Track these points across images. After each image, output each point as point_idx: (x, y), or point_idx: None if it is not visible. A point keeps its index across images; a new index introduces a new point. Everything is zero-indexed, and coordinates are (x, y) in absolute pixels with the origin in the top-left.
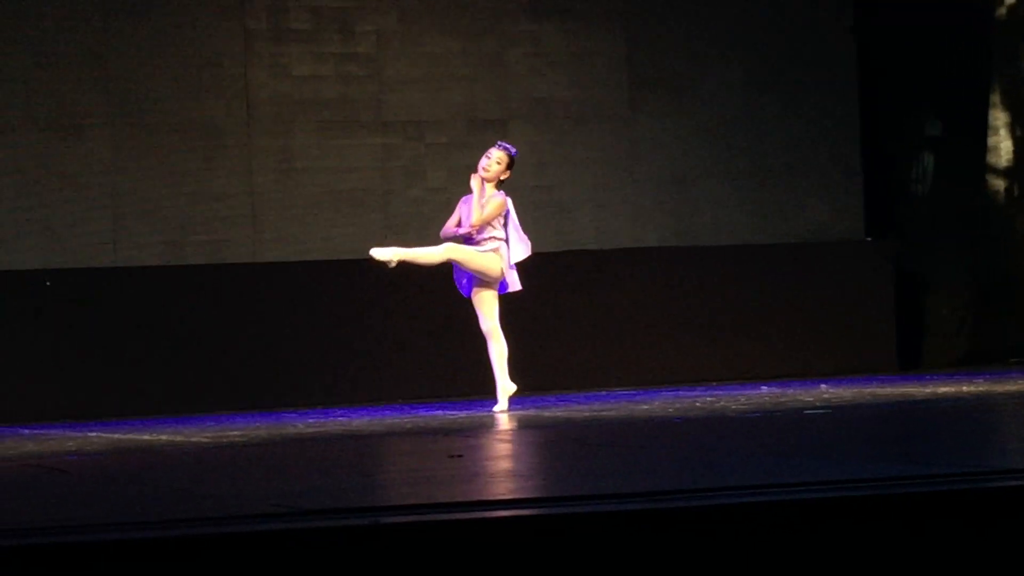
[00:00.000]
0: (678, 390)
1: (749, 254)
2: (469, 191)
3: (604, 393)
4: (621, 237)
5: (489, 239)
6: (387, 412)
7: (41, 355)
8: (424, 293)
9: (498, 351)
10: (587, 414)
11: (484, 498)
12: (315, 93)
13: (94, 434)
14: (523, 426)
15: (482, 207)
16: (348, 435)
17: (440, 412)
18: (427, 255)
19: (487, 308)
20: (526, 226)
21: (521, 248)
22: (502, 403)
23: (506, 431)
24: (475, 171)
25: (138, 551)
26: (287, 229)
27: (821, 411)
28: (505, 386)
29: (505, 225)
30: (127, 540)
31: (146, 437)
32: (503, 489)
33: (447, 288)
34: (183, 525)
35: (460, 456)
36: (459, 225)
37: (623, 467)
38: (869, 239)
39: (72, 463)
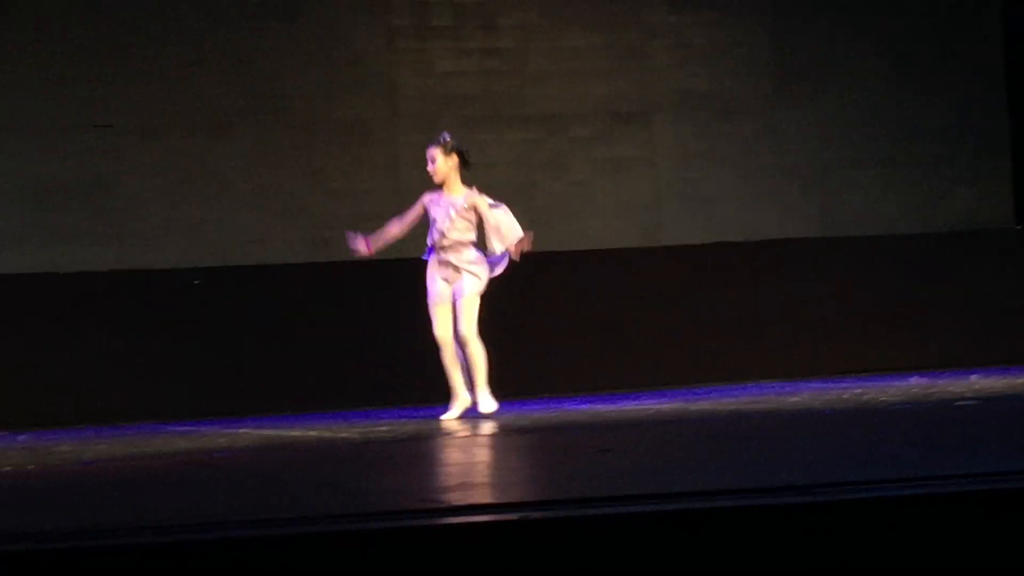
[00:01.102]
0: (826, 382)
1: (896, 244)
2: (434, 189)
3: (751, 386)
4: (766, 229)
5: (466, 246)
6: (533, 407)
7: (191, 352)
8: (567, 288)
9: (480, 357)
10: (734, 407)
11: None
12: (458, 89)
13: (243, 430)
14: (668, 419)
15: (491, 226)
16: (496, 431)
17: (587, 406)
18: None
19: (472, 312)
20: (671, 218)
21: (504, 235)
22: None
23: (649, 424)
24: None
25: (287, 546)
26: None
27: (972, 402)
28: (486, 399)
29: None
30: (275, 536)
31: (295, 433)
32: (655, 484)
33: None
34: (331, 521)
35: (609, 451)
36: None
37: (771, 460)
38: (1019, 226)
39: (222, 459)
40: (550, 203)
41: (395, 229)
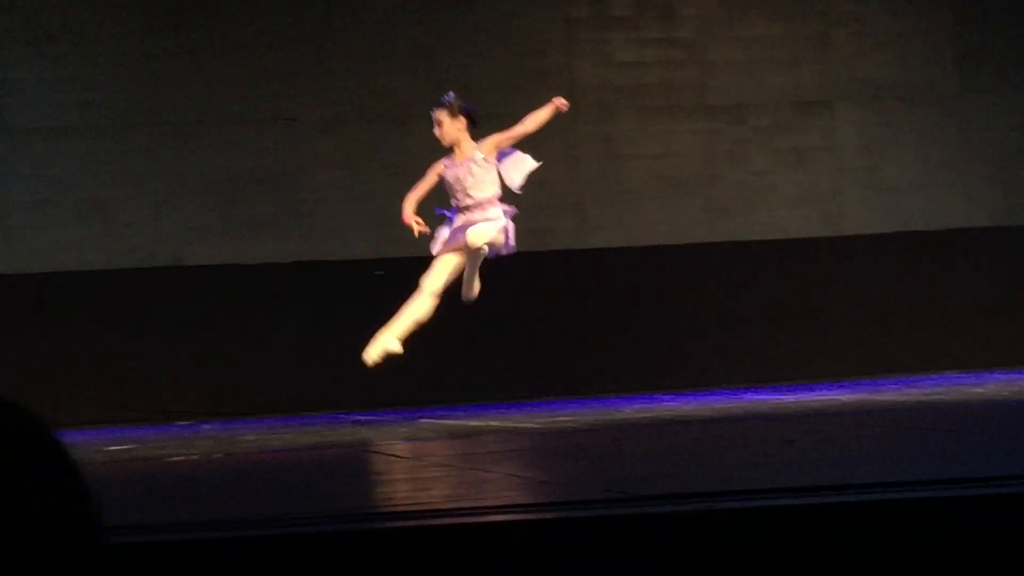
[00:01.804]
0: (1012, 373)
1: None
2: (446, 155)
3: (936, 376)
4: (952, 218)
5: (493, 204)
6: (714, 397)
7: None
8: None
9: (425, 311)
10: (919, 398)
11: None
12: (637, 79)
13: (425, 420)
14: (853, 410)
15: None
16: (676, 420)
17: (764, 397)
18: (417, 308)
19: (447, 268)
20: (853, 208)
21: (520, 166)
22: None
23: (837, 416)
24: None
25: (476, 533)
26: (612, 216)
27: None
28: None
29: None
30: (469, 524)
31: (474, 423)
32: (841, 474)
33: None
34: (520, 510)
35: (794, 441)
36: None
37: (960, 452)
38: None
39: (407, 448)
40: (731, 193)
41: (412, 204)
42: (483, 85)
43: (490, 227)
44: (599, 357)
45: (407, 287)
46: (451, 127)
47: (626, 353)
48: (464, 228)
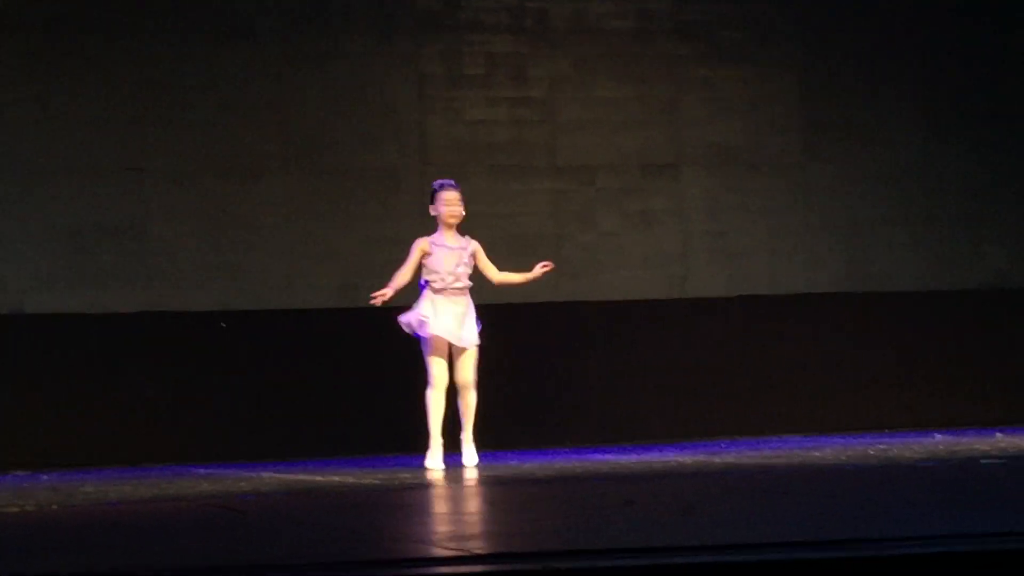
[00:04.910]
0: (850, 437)
1: (925, 301)
2: (427, 235)
3: (775, 439)
4: (795, 283)
5: (467, 293)
6: (552, 456)
7: (216, 395)
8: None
9: (475, 406)
10: (759, 460)
11: (664, 544)
12: (489, 137)
13: (267, 474)
14: (691, 472)
15: (497, 278)
16: (516, 479)
17: (610, 457)
18: (438, 408)
19: (476, 360)
20: (699, 270)
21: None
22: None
23: (672, 477)
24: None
25: None
26: None
27: (997, 460)
28: (472, 450)
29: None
30: None
31: (318, 478)
32: (679, 537)
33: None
34: (352, 568)
35: (633, 503)
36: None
37: (795, 515)
38: None
39: (247, 503)
40: (578, 254)
41: (406, 277)
42: (335, 140)
43: (476, 331)
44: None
45: (253, 339)
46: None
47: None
48: (455, 322)
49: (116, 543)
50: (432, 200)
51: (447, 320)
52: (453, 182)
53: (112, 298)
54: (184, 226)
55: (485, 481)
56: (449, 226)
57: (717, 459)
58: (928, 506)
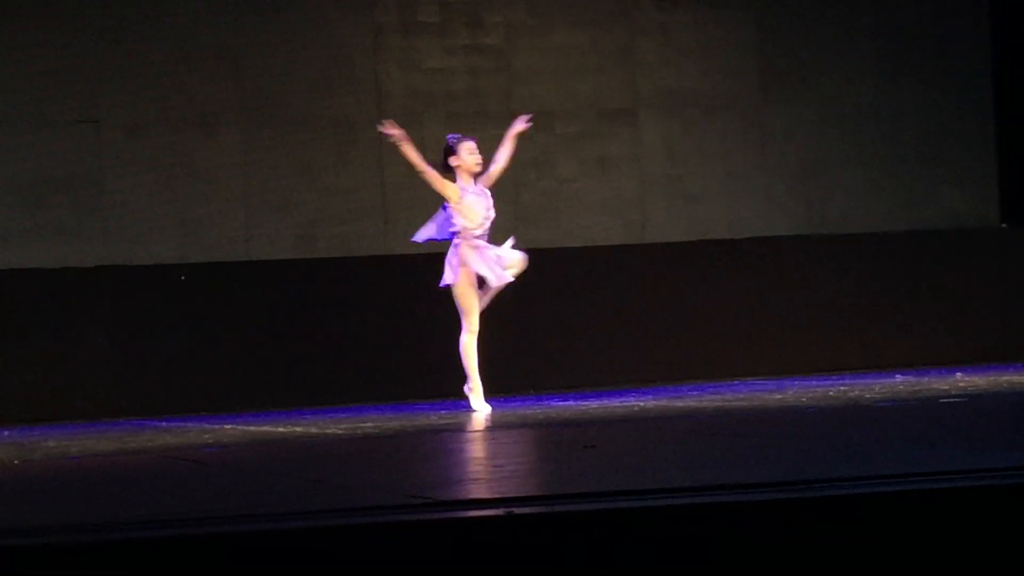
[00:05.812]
0: (811, 379)
1: (882, 242)
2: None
3: (736, 383)
4: (752, 226)
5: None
6: (515, 403)
7: (177, 349)
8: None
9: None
10: (718, 404)
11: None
12: (445, 86)
13: (230, 426)
14: (653, 416)
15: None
16: (483, 427)
17: (573, 403)
18: (471, 352)
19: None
20: (657, 215)
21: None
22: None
23: (635, 421)
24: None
25: (274, 542)
26: (416, 223)
27: (957, 399)
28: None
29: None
30: (263, 531)
31: (280, 429)
32: (639, 480)
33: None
34: (317, 516)
35: (594, 447)
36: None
37: (757, 457)
38: (1004, 225)
39: (210, 455)
40: (537, 200)
41: (423, 163)
42: (289, 90)
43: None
44: (406, 364)
45: (212, 292)
46: None
47: (432, 360)
48: (495, 259)
49: (79, 497)
50: (452, 153)
51: (476, 264)
52: (468, 136)
53: (68, 252)
54: (140, 178)
55: (447, 428)
56: (473, 175)
57: (679, 403)
58: (888, 445)
